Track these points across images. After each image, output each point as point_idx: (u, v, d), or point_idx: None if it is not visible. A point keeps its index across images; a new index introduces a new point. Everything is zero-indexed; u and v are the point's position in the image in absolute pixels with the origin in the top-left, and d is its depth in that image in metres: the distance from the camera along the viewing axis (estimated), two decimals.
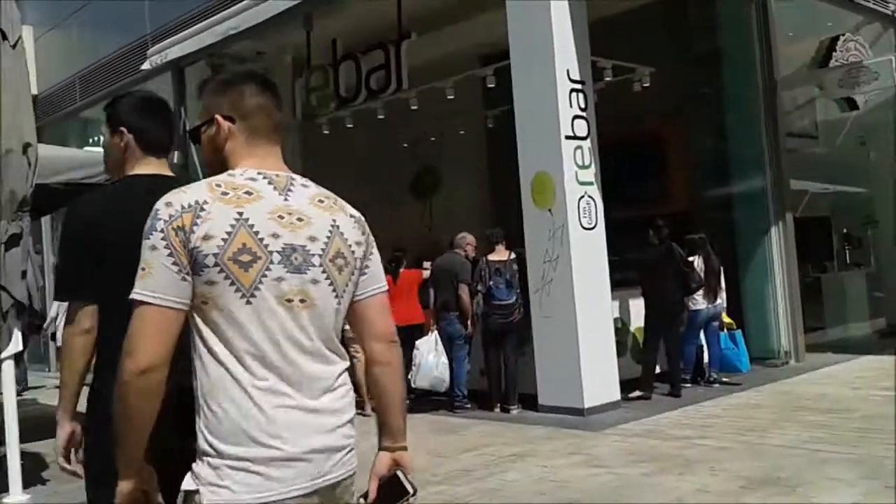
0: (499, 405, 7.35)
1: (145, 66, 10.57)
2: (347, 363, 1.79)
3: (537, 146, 7.19)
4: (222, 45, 9.86)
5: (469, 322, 7.48)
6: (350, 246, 1.77)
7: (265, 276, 1.61)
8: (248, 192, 1.67)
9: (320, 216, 1.73)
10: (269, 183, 1.71)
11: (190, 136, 1.88)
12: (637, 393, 7.46)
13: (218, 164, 1.79)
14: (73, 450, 2.24)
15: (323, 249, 1.71)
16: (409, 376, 7.56)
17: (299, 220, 1.69)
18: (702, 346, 8.23)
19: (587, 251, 7.10)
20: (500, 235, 7.56)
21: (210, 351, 1.60)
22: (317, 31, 9.61)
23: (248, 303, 1.60)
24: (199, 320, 1.61)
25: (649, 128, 10.38)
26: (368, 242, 1.85)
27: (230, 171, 1.73)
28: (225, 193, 1.64)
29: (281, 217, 1.67)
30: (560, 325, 6.97)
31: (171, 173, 2.38)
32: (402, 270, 8.37)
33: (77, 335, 2.16)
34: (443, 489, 4.90)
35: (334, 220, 1.75)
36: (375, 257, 1.87)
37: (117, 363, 1.59)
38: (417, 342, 7.53)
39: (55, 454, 2.25)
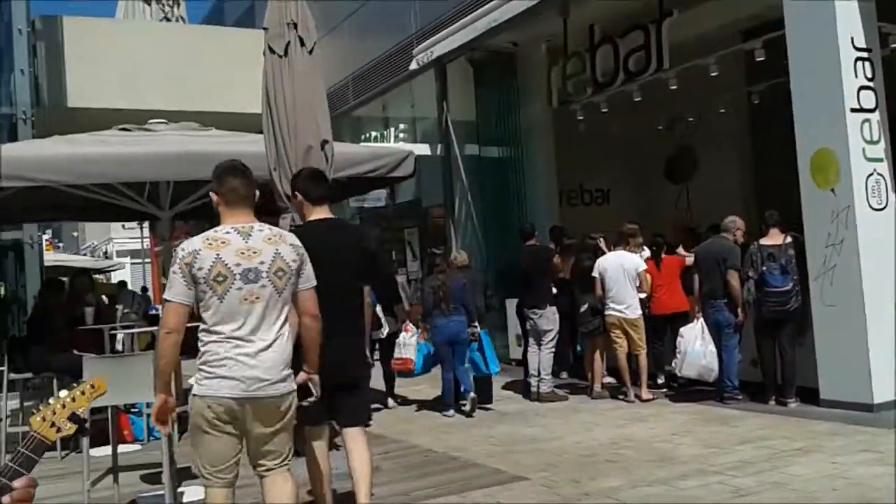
0: (774, 398, 6.96)
1: (412, 65, 11.22)
2: (286, 328, 3.27)
3: (818, 121, 6.69)
4: (481, 40, 10.20)
5: (739, 309, 7.14)
6: (287, 263, 3.27)
7: (230, 287, 3.15)
8: (223, 242, 3.20)
9: (267, 248, 3.24)
10: (238, 233, 3.24)
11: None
12: None
13: (217, 218, 3.34)
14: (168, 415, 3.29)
15: (269, 268, 3.21)
16: (674, 364, 7.40)
17: (254, 252, 3.21)
18: None
19: (876, 234, 6.48)
20: (776, 218, 7.12)
21: (209, 323, 3.18)
22: (573, 19, 9.64)
23: (220, 301, 3.15)
24: (202, 312, 3.17)
25: None
26: (302, 259, 3.34)
27: (216, 228, 3.27)
28: (210, 244, 3.18)
29: (242, 253, 3.19)
30: (845, 314, 6.44)
31: (331, 215, 4.17)
32: (664, 257, 8.20)
33: None
34: (722, 479, 4.75)
35: (277, 250, 3.26)
36: (307, 268, 3.36)
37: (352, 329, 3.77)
38: (681, 330, 7.34)
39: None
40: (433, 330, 7.49)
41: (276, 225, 3.93)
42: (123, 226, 33.24)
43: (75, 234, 43.75)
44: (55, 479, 5.62)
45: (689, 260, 8.01)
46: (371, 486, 4.10)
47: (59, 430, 1.44)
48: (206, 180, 7.26)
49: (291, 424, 3.35)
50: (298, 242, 3.37)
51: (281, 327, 3.23)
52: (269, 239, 3.25)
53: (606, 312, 7.67)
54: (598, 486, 4.76)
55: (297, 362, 3.41)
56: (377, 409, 7.97)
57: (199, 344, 3.20)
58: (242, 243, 3.20)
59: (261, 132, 6.07)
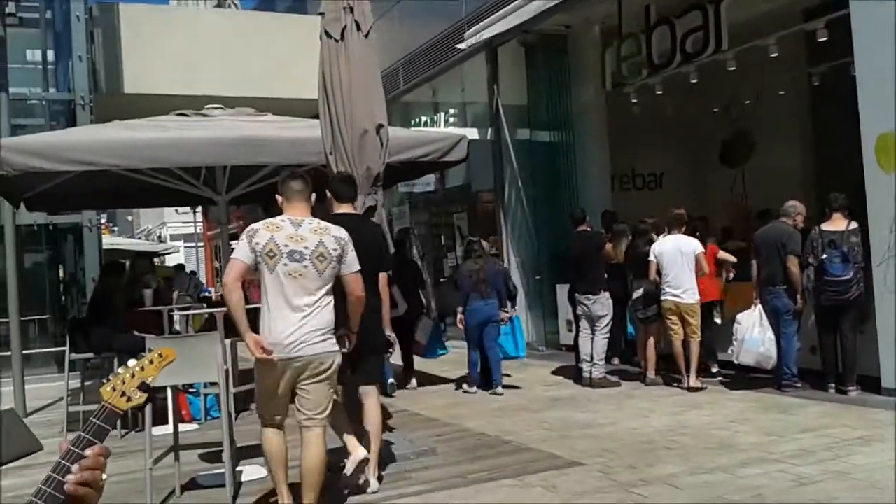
0: (833, 386, 6.80)
1: (461, 45, 11.15)
2: (324, 301, 3.98)
3: (883, 103, 6.47)
4: (533, 23, 10.10)
5: (798, 296, 6.98)
6: (328, 250, 3.97)
7: (278, 262, 3.89)
8: (277, 227, 3.98)
9: (312, 237, 3.98)
10: (291, 223, 4.02)
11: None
12: None
13: (279, 211, 4.13)
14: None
15: (311, 253, 3.94)
16: (730, 351, 7.28)
17: (301, 239, 3.96)
18: None
19: None
20: (840, 202, 6.91)
21: (263, 294, 3.94)
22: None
23: (271, 273, 3.90)
24: (261, 282, 3.97)
25: None
26: (343, 249, 4.04)
27: (280, 217, 4.06)
28: (268, 227, 3.96)
29: (291, 237, 3.95)
30: None
31: (354, 211, 4.95)
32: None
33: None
34: (783, 468, 4.66)
35: (321, 240, 3.99)
36: (349, 256, 4.08)
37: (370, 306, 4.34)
38: (738, 316, 7.20)
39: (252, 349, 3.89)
40: (468, 312, 7.83)
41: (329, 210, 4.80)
42: (177, 210, 33.90)
43: (130, 217, 44.76)
44: (117, 457, 5.76)
45: (722, 255, 7.91)
46: (380, 440, 4.85)
47: (129, 399, 1.45)
48: (261, 165, 7.50)
49: (329, 382, 4.04)
50: (343, 235, 4.08)
51: (318, 301, 3.95)
52: (315, 230, 4.04)
53: (663, 298, 7.56)
54: (657, 473, 4.71)
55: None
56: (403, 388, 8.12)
57: (262, 312, 3.98)
58: (293, 230, 3.99)
59: (315, 117, 6.11)
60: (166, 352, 1.53)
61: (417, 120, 13.32)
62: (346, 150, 5.60)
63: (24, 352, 8.78)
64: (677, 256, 7.44)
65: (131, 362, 1.50)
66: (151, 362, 1.50)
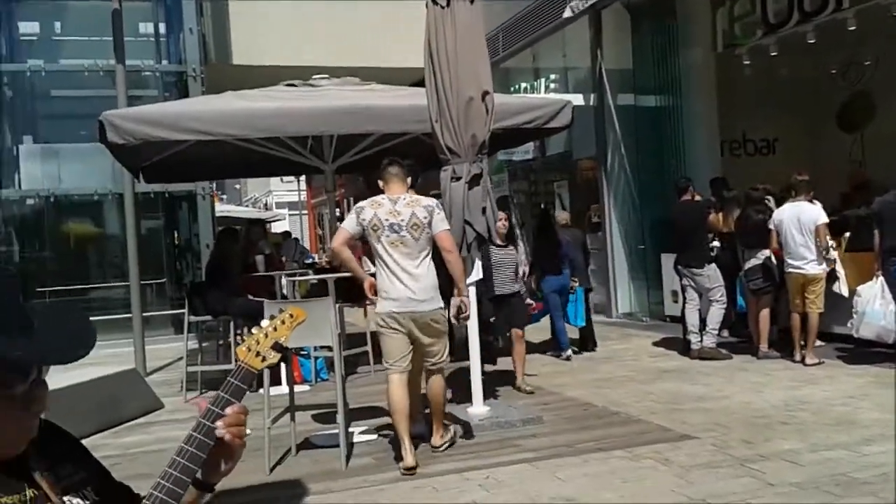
0: None
1: (566, 13, 10.92)
2: (425, 263, 4.69)
3: None
4: None
5: None
6: (420, 219, 4.67)
7: (381, 234, 4.64)
8: (379, 204, 4.73)
9: (406, 210, 4.68)
10: (389, 200, 4.75)
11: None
12: None
13: (379, 192, 4.87)
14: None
15: (407, 223, 4.65)
16: (849, 324, 6.96)
17: (398, 213, 4.67)
18: None
19: None
20: None
21: (377, 260, 4.71)
22: None
23: (378, 243, 4.66)
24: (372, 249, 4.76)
25: None
26: (432, 215, 4.71)
27: (381, 195, 4.82)
28: (372, 204, 4.74)
29: (391, 212, 4.68)
30: None
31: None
32: None
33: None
34: None
35: (413, 211, 4.67)
36: (437, 217, 4.74)
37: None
38: (859, 288, 6.87)
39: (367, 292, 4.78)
40: (545, 281, 7.92)
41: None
42: (282, 179, 34.79)
43: (238, 186, 46.28)
44: None
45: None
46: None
47: (263, 359, 1.48)
48: (366, 134, 7.58)
49: (442, 333, 4.78)
50: (432, 203, 4.82)
51: (420, 263, 4.69)
52: (409, 204, 4.77)
53: (786, 270, 7.26)
54: (774, 449, 4.57)
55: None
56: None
57: (377, 277, 4.75)
58: (391, 206, 4.75)
59: (418, 85, 6.12)
60: (297, 312, 1.55)
61: (517, 86, 13.17)
62: (452, 117, 5.59)
63: (144, 314, 9.22)
64: (797, 225, 7.12)
65: (264, 323, 1.53)
66: (283, 323, 1.52)
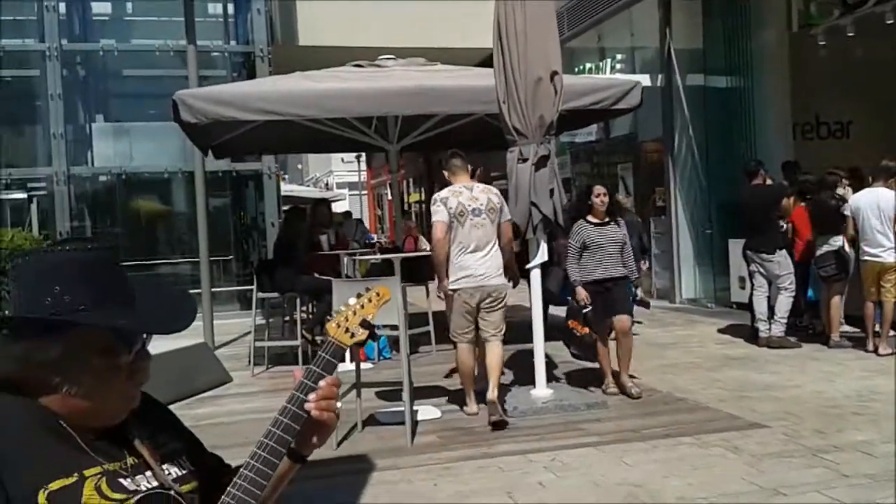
0: None
1: None
2: (496, 245, 5.37)
3: None
4: None
5: None
6: (494, 204, 5.38)
7: (465, 219, 5.27)
8: (459, 193, 5.39)
9: (482, 196, 5.39)
10: (465, 188, 5.42)
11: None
12: None
13: (448, 183, 5.59)
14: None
15: (485, 207, 5.33)
16: None
17: (476, 199, 5.35)
18: None
19: None
20: None
21: (457, 242, 5.31)
22: None
23: (461, 225, 5.27)
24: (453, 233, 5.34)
25: None
26: (502, 203, 5.47)
27: (452, 186, 5.48)
28: (453, 193, 5.39)
29: (470, 199, 5.34)
30: None
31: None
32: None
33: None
34: None
35: (489, 197, 5.39)
36: (506, 208, 5.46)
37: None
38: None
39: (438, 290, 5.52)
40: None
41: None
42: (343, 159, 35.16)
43: (300, 166, 46.94)
44: None
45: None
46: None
47: (352, 335, 1.50)
48: (431, 115, 7.58)
49: (504, 306, 5.41)
50: (498, 192, 5.56)
51: (493, 244, 5.37)
52: (483, 191, 5.46)
53: (861, 258, 7.04)
54: (847, 440, 4.45)
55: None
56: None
57: (452, 256, 5.31)
58: (469, 194, 5.39)
59: (481, 65, 6.08)
60: (383, 291, 1.56)
61: (581, 67, 13.00)
62: (520, 98, 5.56)
63: (212, 290, 9.42)
64: (875, 212, 6.89)
65: (351, 300, 1.54)
66: (370, 301, 1.53)
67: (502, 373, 5.50)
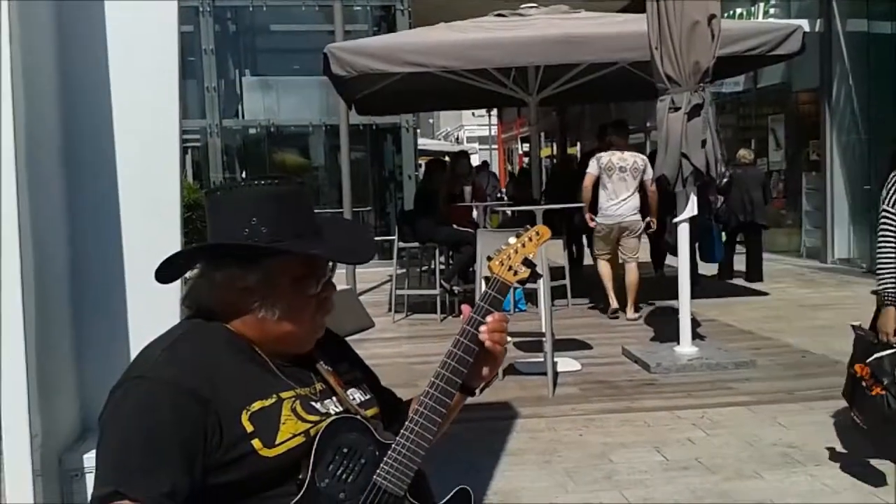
0: None
1: None
2: (636, 194, 7.09)
3: None
4: None
5: None
6: (637, 164, 7.09)
7: (613, 172, 7.05)
8: (613, 153, 7.18)
9: (630, 158, 7.15)
10: (619, 150, 7.22)
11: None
12: None
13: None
14: None
15: (630, 166, 7.07)
16: None
17: (624, 160, 7.11)
18: None
19: None
20: None
21: (604, 188, 7.16)
22: None
23: (609, 178, 7.07)
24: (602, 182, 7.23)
25: None
26: (646, 164, 7.06)
27: (612, 150, 7.28)
28: (610, 153, 7.19)
29: (620, 158, 7.12)
30: None
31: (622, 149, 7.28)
32: None
33: None
34: None
35: (634, 160, 7.14)
36: (649, 169, 6.91)
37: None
38: None
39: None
40: None
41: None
42: (473, 114, 35.14)
43: (431, 121, 47.31)
44: (434, 340, 6.27)
45: None
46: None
47: (515, 273, 1.49)
48: (574, 64, 7.40)
49: (638, 235, 7.14)
50: (644, 157, 7.24)
51: (632, 194, 6.98)
52: (632, 154, 7.13)
53: None
54: None
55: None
56: None
57: (602, 200, 7.05)
58: (621, 154, 7.06)
59: (626, 12, 5.84)
60: (542, 230, 1.55)
61: (731, 12, 12.32)
62: (674, 43, 5.33)
63: None
64: None
65: (511, 240, 1.54)
66: (531, 240, 1.53)
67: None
